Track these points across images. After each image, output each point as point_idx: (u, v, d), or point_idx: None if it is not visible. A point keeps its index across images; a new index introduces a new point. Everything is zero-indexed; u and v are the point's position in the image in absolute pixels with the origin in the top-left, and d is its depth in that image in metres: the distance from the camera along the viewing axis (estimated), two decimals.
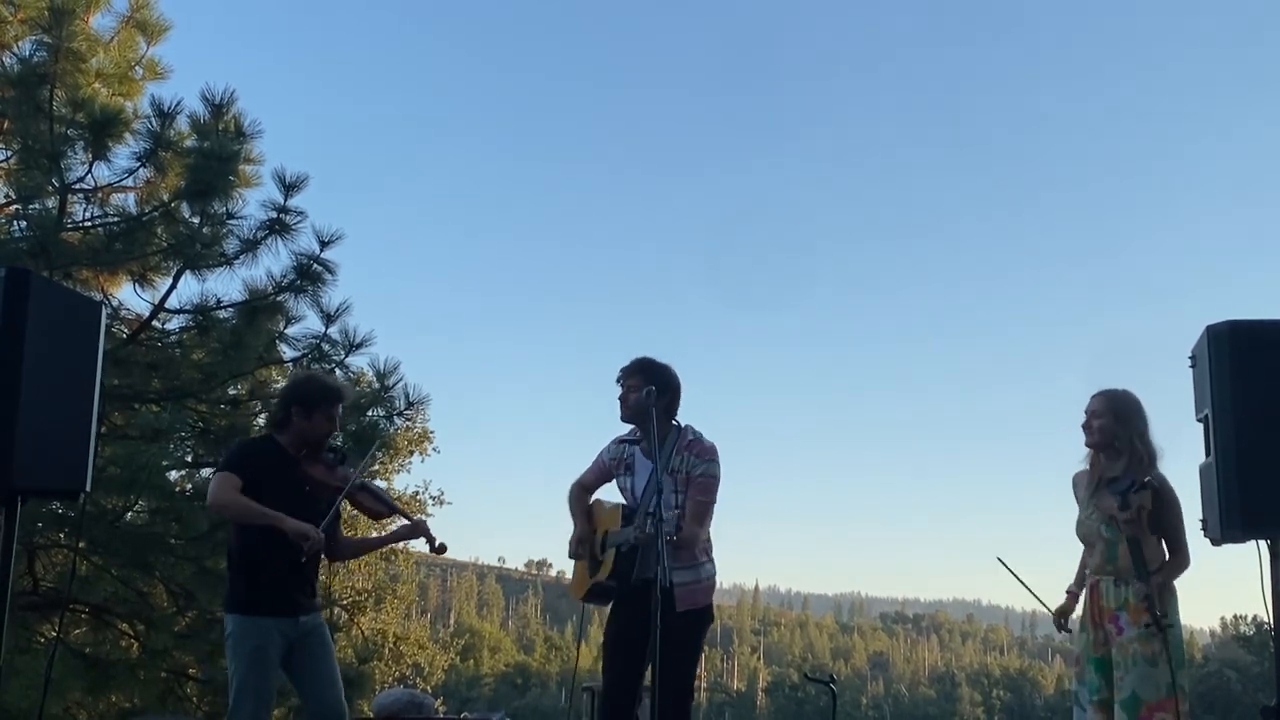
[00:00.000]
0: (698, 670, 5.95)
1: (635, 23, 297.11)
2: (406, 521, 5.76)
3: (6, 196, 8.66)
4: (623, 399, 5.76)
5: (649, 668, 5.66)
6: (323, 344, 8.94)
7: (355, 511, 5.96)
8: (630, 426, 5.90)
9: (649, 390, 5.49)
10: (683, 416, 5.78)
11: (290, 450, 5.50)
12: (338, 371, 9.08)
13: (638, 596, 5.48)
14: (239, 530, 5.38)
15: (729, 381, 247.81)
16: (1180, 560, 5.42)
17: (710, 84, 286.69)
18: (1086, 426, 5.60)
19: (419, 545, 6.07)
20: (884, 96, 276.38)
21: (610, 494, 6.06)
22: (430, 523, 5.81)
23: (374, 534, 6.06)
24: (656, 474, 5.35)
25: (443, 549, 5.73)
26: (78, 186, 8.38)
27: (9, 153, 8.71)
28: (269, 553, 5.25)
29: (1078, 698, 5.68)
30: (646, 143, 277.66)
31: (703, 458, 5.70)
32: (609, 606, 5.89)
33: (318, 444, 5.56)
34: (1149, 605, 5.15)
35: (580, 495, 5.99)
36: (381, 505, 5.67)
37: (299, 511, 5.30)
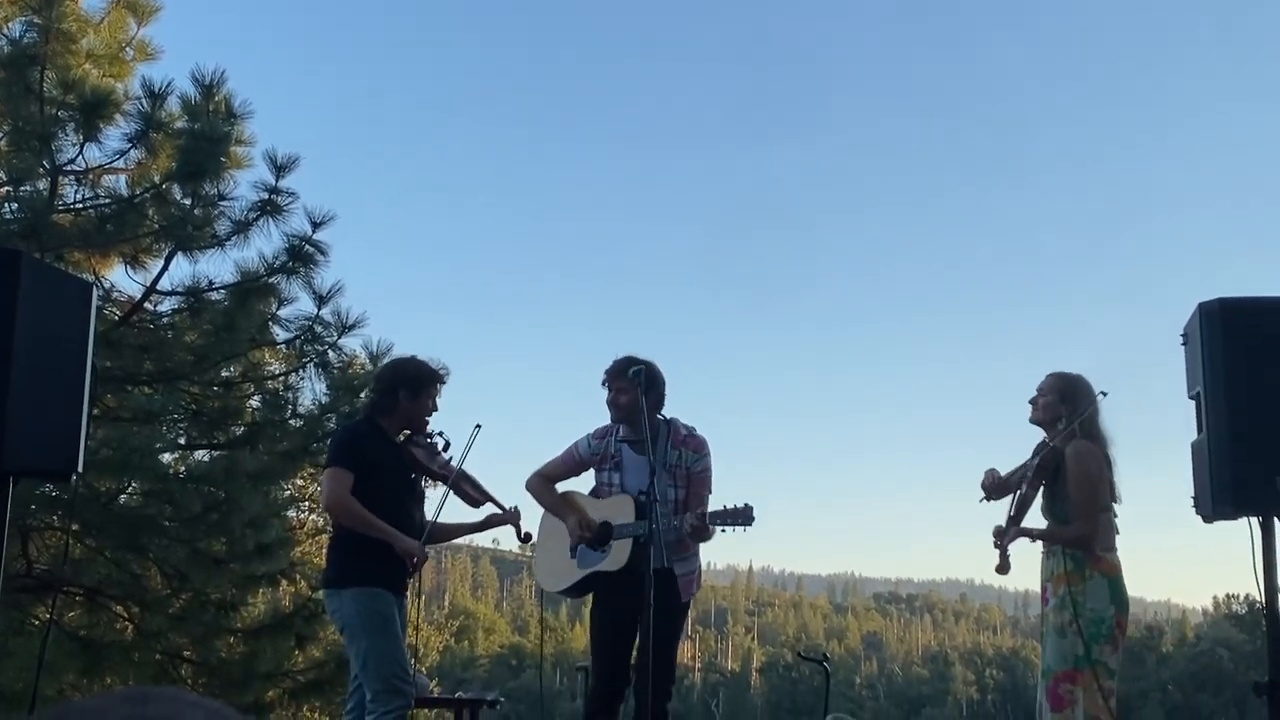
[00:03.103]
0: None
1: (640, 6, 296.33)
2: (498, 510, 5.88)
3: None
4: (613, 403, 5.82)
5: (632, 648, 5.80)
6: (315, 326, 8.93)
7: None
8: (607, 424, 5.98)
9: (637, 370, 5.55)
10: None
11: (391, 433, 5.66)
12: (330, 353, 9.09)
13: (636, 585, 5.54)
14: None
15: (723, 362, 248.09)
16: (1074, 530, 5.44)
17: (713, 68, 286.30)
18: (1032, 402, 5.71)
19: (505, 532, 6.23)
20: (881, 84, 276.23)
21: (575, 487, 6.10)
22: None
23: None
24: (654, 468, 5.35)
25: (529, 538, 5.94)
26: (69, 168, 8.35)
27: None
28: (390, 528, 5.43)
29: None
30: (646, 124, 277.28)
31: (700, 452, 5.84)
32: (593, 593, 5.96)
33: (420, 426, 5.74)
34: (997, 542, 5.38)
35: (546, 486, 6.03)
36: (480, 493, 5.83)
37: (405, 494, 5.57)
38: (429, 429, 5.78)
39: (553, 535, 5.99)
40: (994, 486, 5.68)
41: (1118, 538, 5.52)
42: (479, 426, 5.76)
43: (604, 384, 5.86)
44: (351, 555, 5.47)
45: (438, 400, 5.78)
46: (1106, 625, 5.38)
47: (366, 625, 5.37)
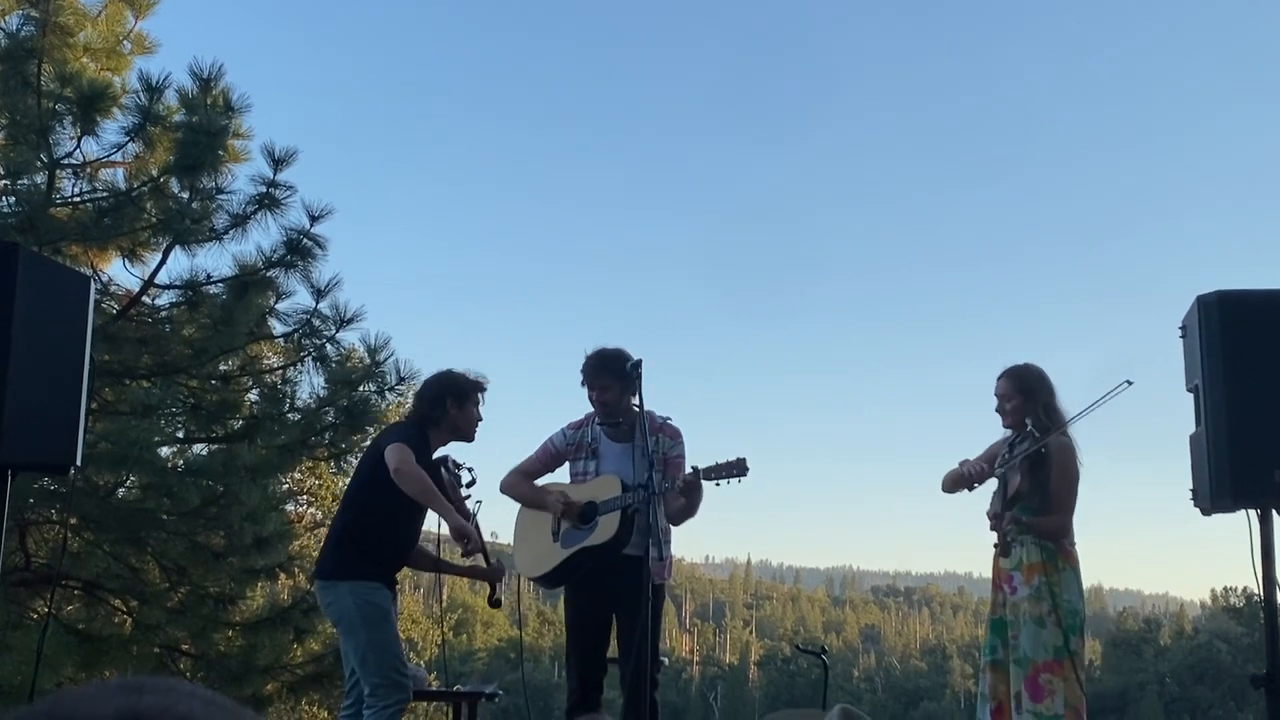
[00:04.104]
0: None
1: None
2: (486, 565, 5.91)
3: None
4: (600, 400, 5.80)
5: (609, 639, 5.82)
6: (313, 319, 8.93)
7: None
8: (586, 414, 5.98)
9: (635, 364, 5.56)
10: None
11: (434, 447, 5.65)
12: (328, 347, 9.09)
13: (607, 572, 5.57)
14: (370, 500, 5.48)
15: (722, 357, 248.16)
16: (1054, 521, 5.47)
17: (713, 63, 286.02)
18: (1000, 410, 5.70)
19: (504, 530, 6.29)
20: (880, 81, 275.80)
21: (549, 481, 6.10)
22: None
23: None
24: (646, 453, 5.39)
25: (498, 604, 6.00)
26: (66, 162, 8.34)
27: None
28: (396, 528, 5.48)
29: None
30: (645, 118, 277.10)
31: (675, 439, 5.87)
32: (566, 586, 5.97)
33: (470, 434, 5.74)
34: (995, 524, 5.36)
35: (522, 481, 6.02)
36: (480, 542, 5.83)
37: (420, 509, 5.51)
38: (463, 464, 5.79)
39: (532, 527, 5.97)
40: (974, 474, 5.65)
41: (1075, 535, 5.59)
42: (482, 506, 5.83)
43: (584, 383, 5.86)
44: (353, 549, 5.45)
45: (481, 409, 5.78)
46: (1080, 617, 5.46)
47: (364, 619, 5.35)
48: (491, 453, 6.34)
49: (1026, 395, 5.59)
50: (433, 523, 5.80)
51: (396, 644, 5.46)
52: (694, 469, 5.49)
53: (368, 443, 9.98)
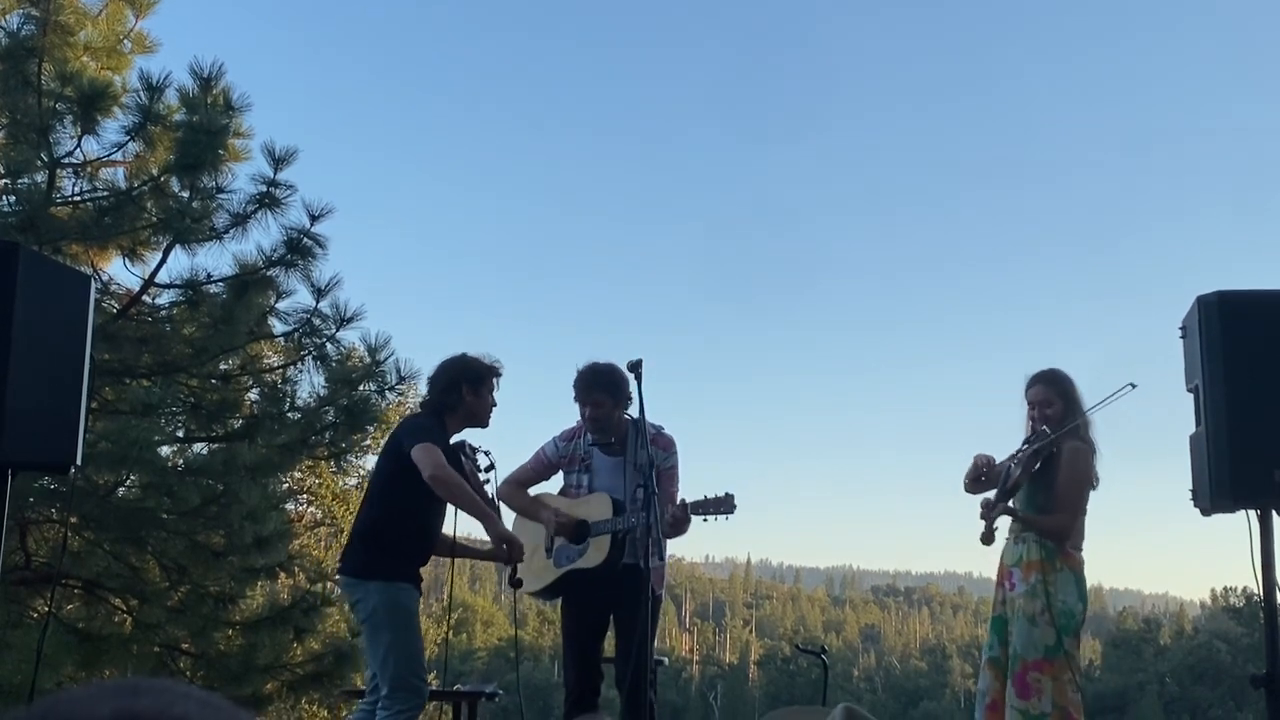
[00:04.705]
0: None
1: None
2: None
3: None
4: (592, 417, 5.78)
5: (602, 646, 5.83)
6: (313, 318, 8.92)
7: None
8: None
9: (635, 363, 5.50)
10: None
11: (451, 433, 5.58)
12: (328, 346, 9.08)
13: (609, 581, 5.57)
14: (393, 497, 5.44)
15: (719, 357, 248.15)
16: (1055, 520, 5.45)
17: (713, 63, 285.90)
18: (1041, 416, 5.61)
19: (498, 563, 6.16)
20: (880, 82, 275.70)
21: (542, 491, 6.10)
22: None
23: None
24: (646, 468, 5.34)
25: (519, 584, 5.81)
26: (66, 161, 8.34)
27: None
28: (420, 524, 5.43)
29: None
30: (651, 114, 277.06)
31: (668, 450, 5.85)
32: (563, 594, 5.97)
33: (485, 420, 5.67)
34: (985, 513, 5.35)
35: (516, 490, 6.01)
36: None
37: (441, 505, 5.46)
38: (480, 448, 5.75)
39: (526, 538, 5.93)
40: (989, 470, 5.64)
41: (1084, 542, 5.56)
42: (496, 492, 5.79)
43: (576, 398, 5.84)
44: (383, 548, 5.41)
45: (496, 395, 5.71)
46: (1076, 620, 5.43)
47: (391, 620, 5.32)
48: (502, 445, 6.33)
49: (1068, 399, 5.59)
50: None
51: (418, 648, 5.43)
52: (682, 502, 5.51)
53: (368, 442, 10.02)
